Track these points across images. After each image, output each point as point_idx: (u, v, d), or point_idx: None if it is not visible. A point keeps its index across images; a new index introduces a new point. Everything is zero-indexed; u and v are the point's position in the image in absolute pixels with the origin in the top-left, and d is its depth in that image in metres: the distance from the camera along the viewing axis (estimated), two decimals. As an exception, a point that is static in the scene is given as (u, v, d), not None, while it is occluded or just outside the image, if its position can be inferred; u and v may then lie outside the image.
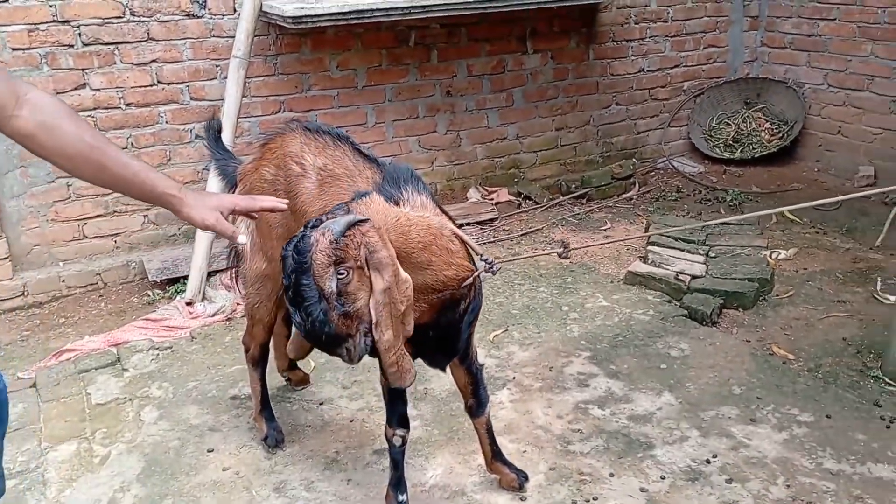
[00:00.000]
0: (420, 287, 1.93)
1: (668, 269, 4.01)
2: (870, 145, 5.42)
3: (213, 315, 3.80)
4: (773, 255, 4.29)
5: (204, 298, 3.90)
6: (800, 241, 4.54)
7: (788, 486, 2.52)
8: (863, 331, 3.48)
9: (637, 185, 5.51)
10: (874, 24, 5.18)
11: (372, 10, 4.15)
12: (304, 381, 3.19)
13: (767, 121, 6.01)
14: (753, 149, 5.87)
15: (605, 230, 4.82)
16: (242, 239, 2.03)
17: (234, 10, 4.24)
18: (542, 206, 5.17)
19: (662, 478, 2.59)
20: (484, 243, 4.62)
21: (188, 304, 3.84)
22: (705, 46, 5.92)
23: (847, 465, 2.61)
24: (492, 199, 5.22)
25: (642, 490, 2.53)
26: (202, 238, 3.90)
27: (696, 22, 5.80)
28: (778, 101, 5.97)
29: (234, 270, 2.88)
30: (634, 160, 5.76)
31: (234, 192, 2.59)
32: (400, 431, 2.34)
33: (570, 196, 5.30)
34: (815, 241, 4.56)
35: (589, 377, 3.20)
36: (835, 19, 5.44)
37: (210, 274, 3.99)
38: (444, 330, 2.15)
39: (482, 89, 5.17)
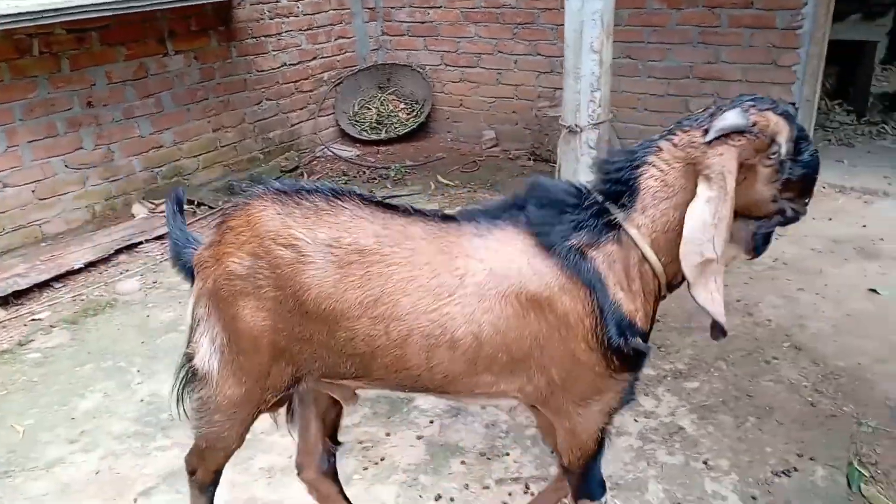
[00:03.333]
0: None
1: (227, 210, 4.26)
2: (487, 112, 6.35)
3: None
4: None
5: None
6: (459, 201, 5.17)
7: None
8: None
9: (305, 174, 5.67)
10: (474, 9, 6.05)
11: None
12: None
13: (402, 102, 6.64)
14: (396, 128, 6.44)
15: (290, 222, 4.88)
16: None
17: None
18: (218, 210, 5.02)
19: (431, 422, 2.83)
20: (166, 260, 4.36)
21: None
22: (336, 38, 6.28)
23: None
24: (163, 213, 4.90)
25: (419, 437, 2.75)
26: None
27: (324, 15, 6.11)
28: (407, 83, 6.61)
29: (181, 392, 1.98)
30: (292, 152, 5.90)
31: (191, 286, 1.87)
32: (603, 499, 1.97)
33: (244, 195, 5.23)
34: (471, 198, 5.22)
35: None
36: (441, 7, 6.21)
37: None
38: None
39: (127, 97, 4.80)
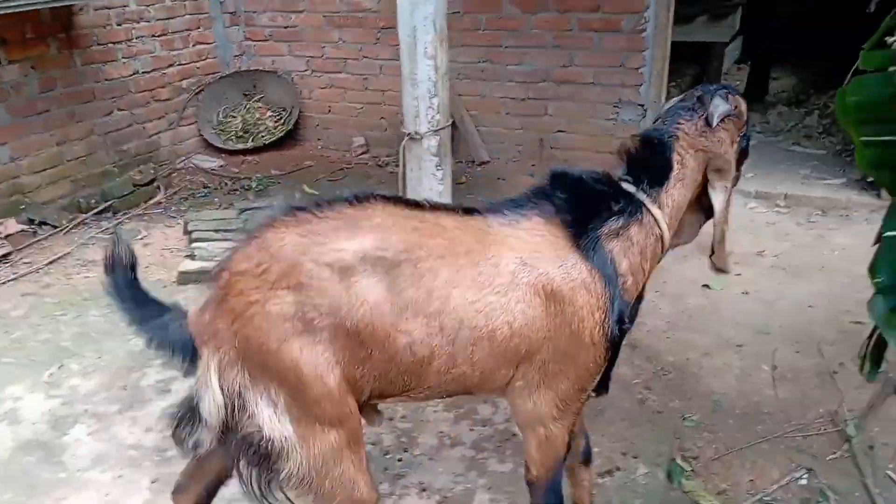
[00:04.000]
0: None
1: (213, 261, 4.11)
2: (356, 119, 6.28)
3: None
4: (305, 226, 4.74)
5: None
6: (323, 210, 5.07)
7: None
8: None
9: (162, 188, 5.43)
10: (337, 13, 5.96)
11: None
12: None
13: (269, 109, 6.47)
14: (262, 137, 6.27)
15: (141, 239, 4.67)
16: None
17: None
18: (63, 229, 4.74)
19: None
20: (4, 283, 4.07)
21: None
22: (194, 44, 6.05)
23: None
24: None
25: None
26: None
27: (180, 20, 5.88)
28: (273, 90, 6.45)
29: (262, 483, 1.67)
30: (151, 164, 5.64)
31: (184, 364, 1.61)
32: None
33: (93, 212, 4.97)
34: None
35: (168, 382, 3.15)
36: (303, 11, 6.09)
37: None
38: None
39: (-47, 111, 4.46)
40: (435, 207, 1.72)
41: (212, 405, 1.57)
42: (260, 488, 1.65)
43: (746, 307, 3.57)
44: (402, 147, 3.43)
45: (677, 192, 1.79)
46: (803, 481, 2.54)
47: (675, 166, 1.79)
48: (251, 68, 6.46)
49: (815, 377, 3.04)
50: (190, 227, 4.56)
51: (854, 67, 2.60)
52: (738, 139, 1.86)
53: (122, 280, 1.63)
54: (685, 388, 3.01)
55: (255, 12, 6.28)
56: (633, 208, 1.75)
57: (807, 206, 4.81)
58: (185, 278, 4.03)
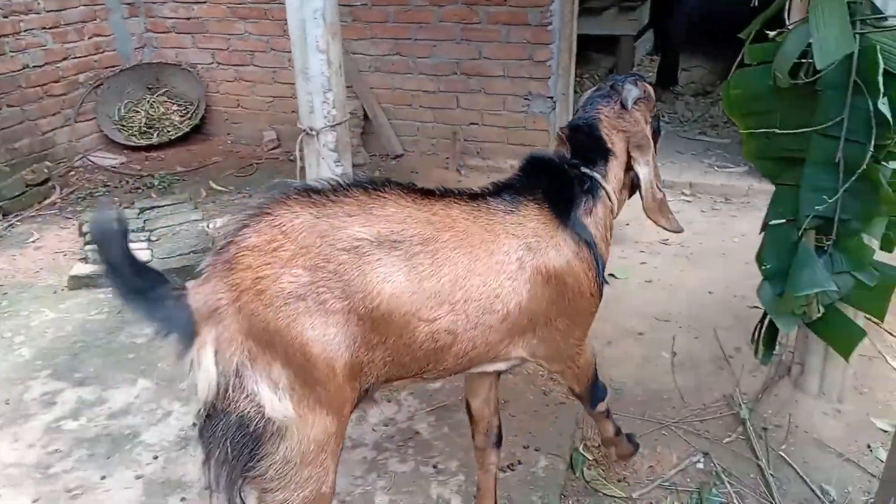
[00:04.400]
0: None
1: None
2: (266, 113, 6.11)
3: None
4: (211, 225, 4.57)
5: None
6: (231, 207, 4.92)
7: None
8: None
9: (58, 188, 5.15)
10: (241, 4, 5.77)
11: None
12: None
13: (174, 103, 6.24)
14: (168, 132, 6.04)
15: (33, 242, 4.41)
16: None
17: None
18: (-54, 234, 4.44)
19: (155, 457, 2.62)
20: None
21: None
22: (90, 36, 5.77)
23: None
24: None
25: (138, 477, 2.53)
26: None
27: (74, 12, 5.58)
28: (178, 83, 6.22)
29: (233, 477, 1.59)
30: (47, 162, 5.35)
31: (182, 342, 1.48)
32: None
33: (-20, 215, 4.67)
34: (244, 203, 4.99)
35: (55, 394, 2.98)
36: (206, 2, 5.88)
37: None
38: None
39: None
40: (444, 195, 1.79)
41: (202, 384, 1.49)
42: (230, 483, 1.58)
43: (649, 295, 3.63)
44: (298, 143, 3.33)
45: (617, 168, 2.03)
46: (700, 465, 2.59)
47: (609, 148, 2.01)
48: (154, 61, 6.21)
49: (712, 362, 3.11)
50: (85, 229, 4.34)
51: (738, 60, 2.66)
52: (651, 120, 2.12)
53: (114, 250, 1.48)
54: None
55: (155, 3, 6.03)
56: (594, 187, 1.98)
57: (710, 193, 4.94)
58: (76, 282, 3.82)
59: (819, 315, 2.55)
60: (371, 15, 5.39)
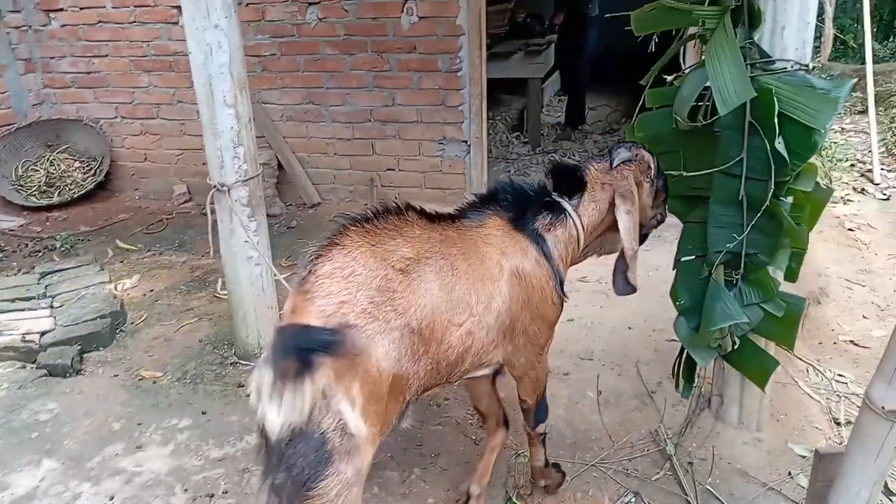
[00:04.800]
0: None
1: (12, 335, 3.67)
2: (176, 166, 5.94)
3: None
4: (119, 287, 4.37)
5: None
6: (141, 267, 4.72)
7: (186, 489, 2.67)
8: (214, 328, 3.87)
9: (-51, 255, 4.83)
10: (144, 56, 5.63)
11: None
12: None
13: (76, 160, 5.99)
14: (70, 190, 5.79)
15: (-79, 316, 4.09)
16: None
17: None
18: None
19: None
20: None
21: None
22: (-18, 93, 5.49)
23: (229, 447, 2.91)
24: None
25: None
26: None
27: (-37, 69, 5.31)
28: (80, 139, 5.98)
29: (298, 493, 1.62)
30: (-63, 229, 5.03)
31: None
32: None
33: None
34: (154, 262, 4.80)
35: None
36: (107, 55, 5.71)
37: None
38: None
39: None
40: (440, 218, 2.08)
41: (299, 405, 1.55)
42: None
43: (571, 334, 3.67)
44: (208, 199, 3.23)
45: (591, 208, 2.28)
46: (631, 504, 2.60)
47: (588, 189, 2.28)
48: (53, 117, 5.96)
49: (636, 398, 3.15)
50: (-23, 299, 4.06)
51: (640, 104, 2.77)
52: (645, 180, 2.35)
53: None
54: (516, 424, 3.00)
55: (53, 58, 5.81)
56: (559, 212, 2.23)
57: (624, 229, 5.06)
58: (-29, 358, 3.56)
59: (733, 347, 2.63)
60: (281, 65, 5.36)
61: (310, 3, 5.14)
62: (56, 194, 5.73)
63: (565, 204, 2.25)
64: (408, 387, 1.82)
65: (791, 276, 2.63)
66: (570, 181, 2.29)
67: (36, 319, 3.85)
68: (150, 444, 2.94)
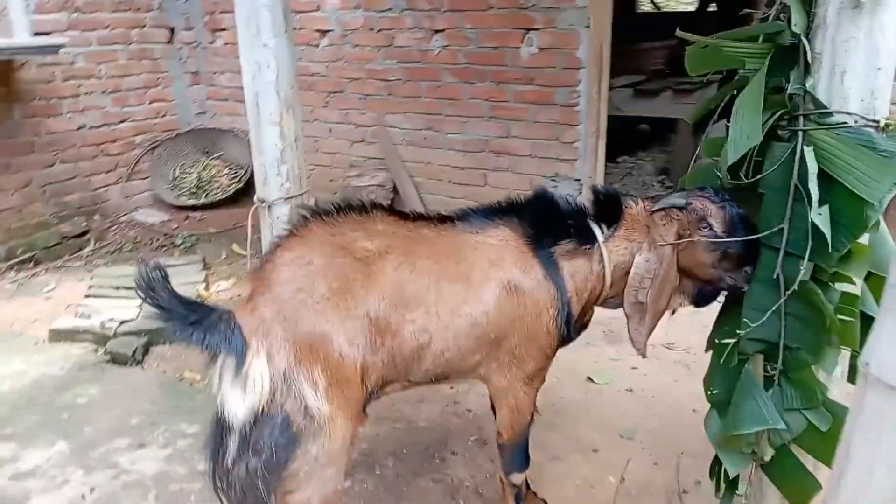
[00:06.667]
0: None
1: (94, 319, 3.97)
2: (308, 180, 6.16)
3: None
4: (213, 288, 4.59)
5: None
6: (242, 271, 4.92)
7: (157, 497, 2.67)
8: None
9: (93, 241, 5.39)
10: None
11: None
12: None
13: (226, 167, 6.46)
14: (215, 193, 6.24)
15: (46, 292, 4.59)
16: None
17: None
18: (-24, 278, 4.71)
19: (30, 529, 2.52)
20: None
21: None
22: (151, 101, 6.11)
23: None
24: None
25: (2, 548, 2.44)
26: None
27: (136, 79, 5.94)
28: (232, 148, 6.45)
29: (265, 478, 1.72)
30: (96, 217, 5.63)
31: (244, 359, 1.69)
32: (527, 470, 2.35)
33: (14, 261, 4.94)
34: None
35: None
36: (259, 73, 6.08)
37: None
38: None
39: None
40: (416, 218, 2.05)
41: (260, 388, 1.66)
42: (268, 489, 1.70)
43: (622, 406, 3.22)
44: (250, 214, 3.26)
45: (622, 246, 2.08)
46: None
47: (624, 225, 2.09)
48: (211, 127, 6.48)
49: (663, 495, 2.66)
50: (90, 283, 4.47)
51: (695, 153, 2.36)
52: (698, 233, 1.99)
53: (163, 296, 1.70)
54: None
55: (215, 73, 6.33)
56: (588, 241, 2.06)
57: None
58: (56, 335, 3.89)
59: (771, 457, 2.14)
60: (405, 89, 5.38)
61: (435, 31, 5.11)
62: (203, 196, 6.21)
63: (597, 232, 2.08)
64: (367, 376, 1.84)
65: (853, 378, 2.09)
66: (610, 211, 2.11)
67: (123, 308, 4.13)
68: (152, 444, 2.99)
